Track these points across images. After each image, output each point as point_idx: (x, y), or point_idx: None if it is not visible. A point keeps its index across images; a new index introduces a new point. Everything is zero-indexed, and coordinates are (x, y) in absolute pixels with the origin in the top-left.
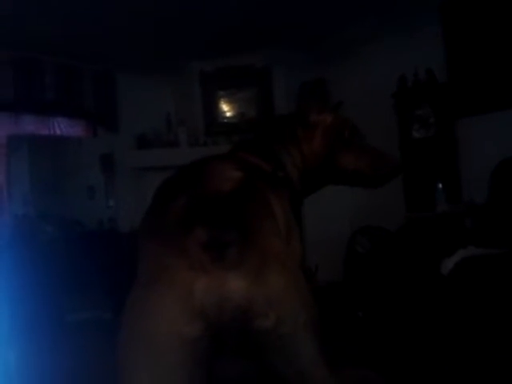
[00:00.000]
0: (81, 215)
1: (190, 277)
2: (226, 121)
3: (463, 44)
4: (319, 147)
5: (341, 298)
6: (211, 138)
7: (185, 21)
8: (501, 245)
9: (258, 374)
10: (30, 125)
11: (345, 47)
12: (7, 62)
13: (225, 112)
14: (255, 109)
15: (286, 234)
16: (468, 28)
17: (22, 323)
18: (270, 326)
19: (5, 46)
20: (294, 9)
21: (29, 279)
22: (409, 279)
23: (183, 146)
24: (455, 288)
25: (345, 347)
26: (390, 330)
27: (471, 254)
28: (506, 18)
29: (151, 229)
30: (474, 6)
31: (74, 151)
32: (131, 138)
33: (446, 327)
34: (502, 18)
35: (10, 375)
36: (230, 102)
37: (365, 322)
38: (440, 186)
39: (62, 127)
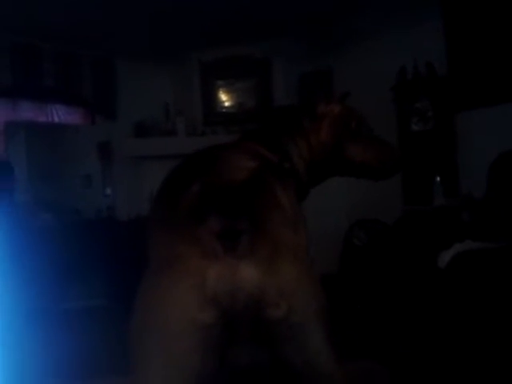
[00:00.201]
0: (78, 203)
1: (202, 265)
2: (224, 111)
3: (464, 38)
4: (326, 138)
5: (337, 290)
6: (209, 128)
7: (185, 10)
8: (498, 239)
9: (270, 363)
10: (27, 111)
11: (345, 39)
12: (6, 47)
13: (223, 102)
14: (254, 99)
15: (293, 225)
16: (469, 22)
17: (19, 312)
18: (282, 316)
19: (3, 31)
20: (294, 0)
21: (26, 266)
22: (406, 272)
23: (181, 136)
24: (452, 281)
25: (343, 339)
26: (386, 322)
27: (468, 248)
28: (507, 12)
29: (162, 216)
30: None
31: (72, 139)
32: (129, 126)
33: (442, 320)
34: (503, 13)
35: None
36: (228, 92)
37: (362, 315)
38: (438, 179)
39: (59, 114)
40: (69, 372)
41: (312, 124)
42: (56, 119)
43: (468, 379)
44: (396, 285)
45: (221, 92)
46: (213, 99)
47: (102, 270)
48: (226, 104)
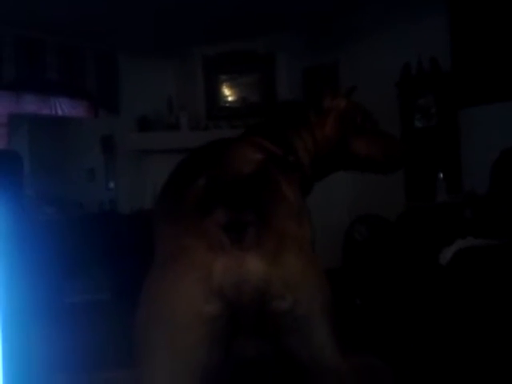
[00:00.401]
0: (81, 197)
1: (209, 257)
2: (227, 105)
3: (469, 34)
4: (332, 132)
5: (338, 285)
6: (212, 122)
7: (188, 5)
8: (499, 236)
9: (275, 355)
10: (31, 104)
11: (349, 34)
12: (9, 40)
13: (226, 96)
14: (257, 94)
15: (298, 218)
16: (474, 18)
17: (24, 305)
18: (287, 308)
19: (7, 25)
20: None
21: (28, 260)
22: (407, 268)
23: (184, 130)
24: (453, 278)
25: (345, 334)
26: (387, 318)
27: (470, 245)
28: None
29: (168, 209)
30: None
31: (75, 132)
32: (132, 120)
33: (443, 317)
34: (510, 8)
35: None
36: (231, 87)
37: (362, 310)
38: (441, 175)
39: (63, 107)
40: (74, 365)
41: (317, 118)
42: (59, 112)
43: (469, 375)
44: (397, 281)
45: (224, 86)
46: (216, 94)
47: (106, 263)
48: (230, 98)
